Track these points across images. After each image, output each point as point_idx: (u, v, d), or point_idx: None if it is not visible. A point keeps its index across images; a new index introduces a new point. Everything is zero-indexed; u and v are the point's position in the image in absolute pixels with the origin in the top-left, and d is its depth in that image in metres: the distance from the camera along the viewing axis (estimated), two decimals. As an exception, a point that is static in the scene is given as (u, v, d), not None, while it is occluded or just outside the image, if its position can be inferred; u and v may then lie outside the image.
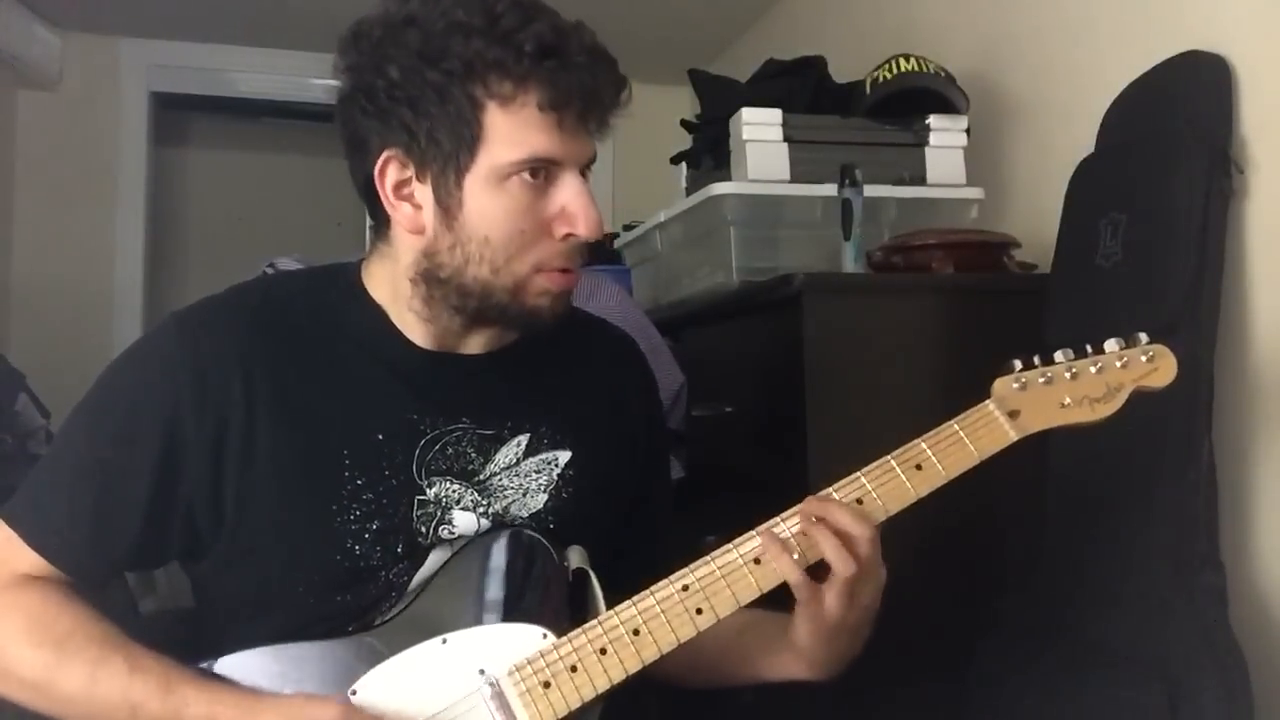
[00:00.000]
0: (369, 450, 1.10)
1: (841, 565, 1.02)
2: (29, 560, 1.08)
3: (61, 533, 1.08)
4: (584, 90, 1.05)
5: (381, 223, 1.13)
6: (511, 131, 1.04)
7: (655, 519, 1.30)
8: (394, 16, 1.06)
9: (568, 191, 1.08)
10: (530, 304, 1.09)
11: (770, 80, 2.12)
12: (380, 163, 1.07)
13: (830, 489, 1.07)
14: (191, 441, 1.07)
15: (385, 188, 1.08)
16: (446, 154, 1.04)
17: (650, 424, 1.32)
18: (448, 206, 1.06)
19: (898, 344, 1.69)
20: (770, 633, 1.15)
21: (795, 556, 1.04)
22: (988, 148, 2.10)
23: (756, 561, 1.05)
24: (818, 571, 1.05)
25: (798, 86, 2.06)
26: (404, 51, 1.04)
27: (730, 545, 1.06)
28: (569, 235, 1.08)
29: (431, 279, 1.10)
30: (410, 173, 1.07)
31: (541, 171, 1.06)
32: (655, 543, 1.25)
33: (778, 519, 1.06)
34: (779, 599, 1.07)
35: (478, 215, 1.06)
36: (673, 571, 1.06)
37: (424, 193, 1.07)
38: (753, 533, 1.06)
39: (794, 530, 1.05)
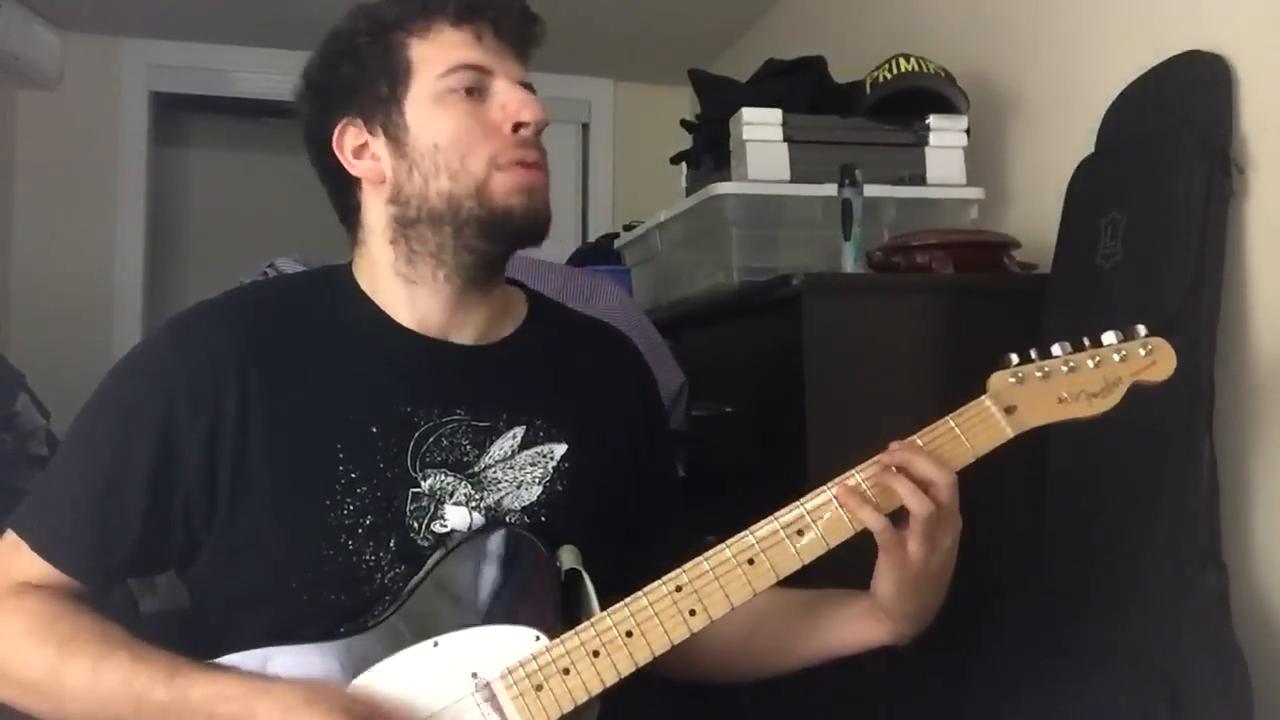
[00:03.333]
0: (363, 443, 1.10)
1: (919, 506, 1.03)
2: (35, 567, 1.09)
3: (65, 537, 1.09)
4: (489, 2, 1.13)
5: (353, 210, 1.19)
6: (434, 52, 1.13)
7: (660, 521, 1.30)
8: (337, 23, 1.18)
9: (504, 93, 1.14)
10: (501, 205, 1.12)
11: (770, 80, 2.12)
12: (337, 134, 1.15)
13: (823, 487, 1.07)
14: (186, 439, 1.08)
15: (345, 155, 1.15)
16: (385, 96, 1.13)
17: (653, 425, 1.32)
18: (396, 137, 1.12)
19: (898, 344, 1.69)
20: (839, 604, 1.17)
21: (873, 506, 1.05)
22: (988, 148, 2.09)
23: (750, 562, 1.05)
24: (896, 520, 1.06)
25: (798, 86, 2.06)
26: (341, 40, 1.16)
27: (723, 545, 1.06)
28: (517, 126, 1.12)
29: (405, 223, 1.13)
30: (364, 134, 1.14)
31: (475, 90, 1.12)
32: (660, 545, 1.25)
33: (852, 472, 1.07)
34: (804, 577, 1.08)
35: (422, 130, 1.12)
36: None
37: (378, 143, 1.14)
38: (771, 518, 1.06)
39: (870, 480, 1.06)
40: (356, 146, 1.15)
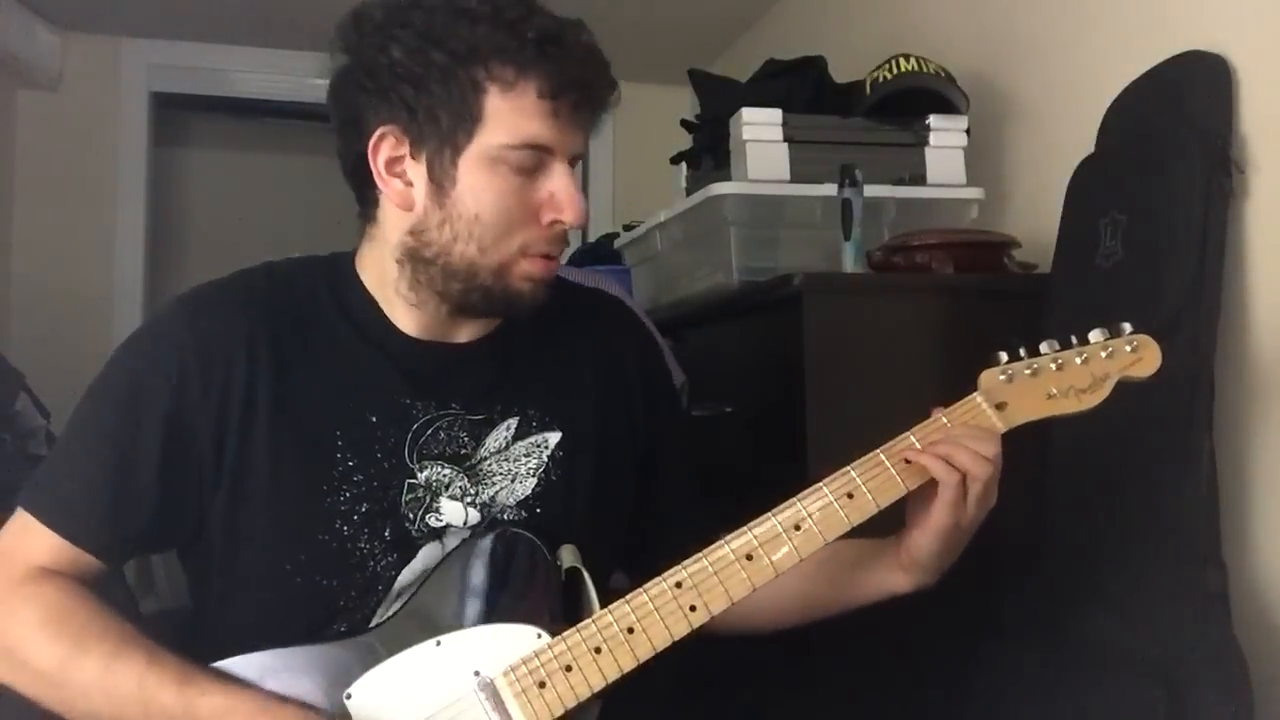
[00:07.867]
0: (362, 432, 1.11)
1: (979, 469, 1.06)
2: (48, 548, 1.08)
3: (78, 511, 1.08)
4: (581, 82, 1.08)
5: (369, 204, 1.16)
6: (509, 116, 1.07)
7: (669, 491, 1.30)
8: (397, 1, 1.09)
9: (556, 180, 1.10)
10: (513, 287, 1.12)
11: (770, 80, 2.12)
12: (375, 138, 1.10)
13: (820, 483, 1.08)
14: (197, 412, 1.09)
15: (378, 163, 1.10)
16: (444, 133, 1.07)
17: (650, 382, 1.31)
18: (441, 183, 1.09)
19: (898, 344, 1.69)
20: (871, 556, 1.19)
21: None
22: (988, 148, 2.09)
23: (749, 558, 1.06)
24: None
25: (798, 86, 2.06)
26: (408, 32, 1.07)
27: (722, 541, 1.07)
28: (555, 222, 1.11)
29: (417, 258, 1.12)
30: (405, 150, 1.10)
31: (534, 160, 1.08)
32: (671, 516, 1.25)
33: (907, 434, 1.10)
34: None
35: (470, 194, 1.08)
36: (691, 552, 1.07)
37: (417, 170, 1.10)
38: (768, 515, 1.07)
39: (933, 447, 1.09)
40: (392, 158, 1.10)
